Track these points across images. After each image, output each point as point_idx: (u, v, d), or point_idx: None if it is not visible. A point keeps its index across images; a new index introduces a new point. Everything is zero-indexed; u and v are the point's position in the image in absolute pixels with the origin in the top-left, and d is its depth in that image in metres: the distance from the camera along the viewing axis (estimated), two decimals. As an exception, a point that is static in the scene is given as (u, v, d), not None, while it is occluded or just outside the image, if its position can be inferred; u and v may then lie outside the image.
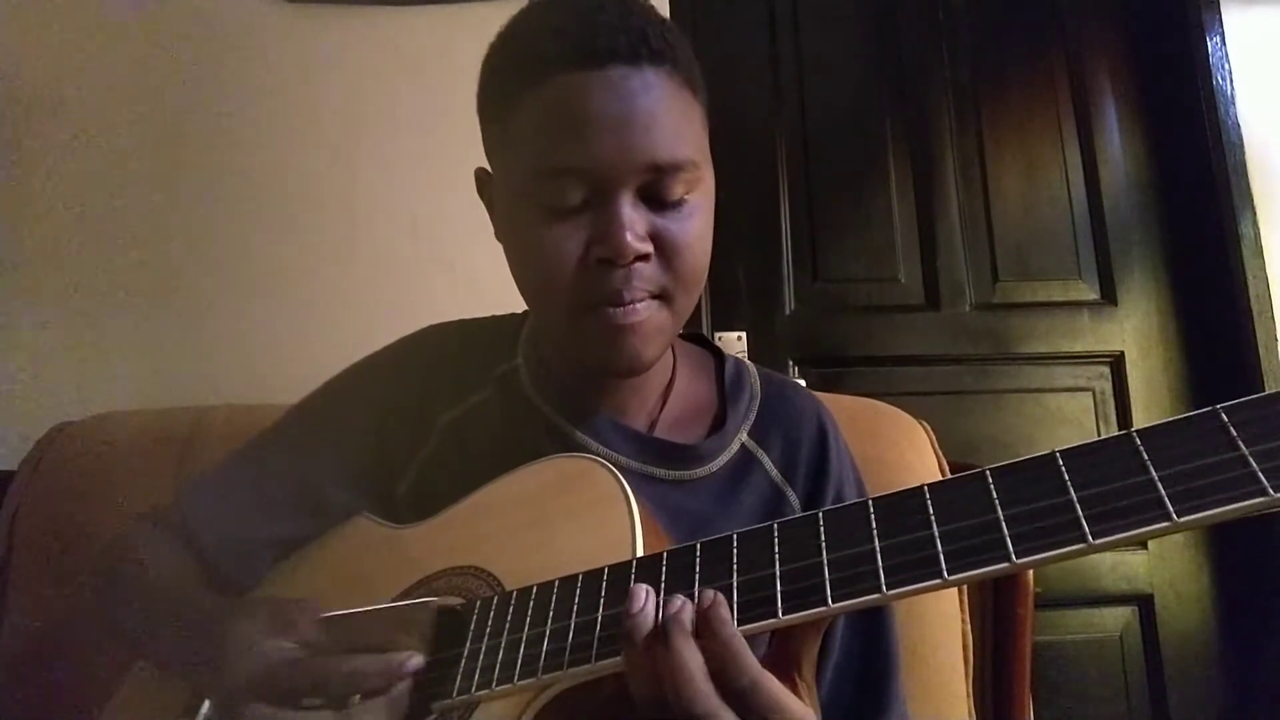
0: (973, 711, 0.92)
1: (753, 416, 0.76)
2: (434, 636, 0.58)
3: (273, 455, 0.77)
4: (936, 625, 0.94)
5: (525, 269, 0.66)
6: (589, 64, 0.60)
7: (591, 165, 0.60)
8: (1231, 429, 0.40)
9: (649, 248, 0.62)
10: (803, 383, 1.07)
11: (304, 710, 0.52)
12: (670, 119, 0.62)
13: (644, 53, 0.61)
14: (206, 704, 0.63)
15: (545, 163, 0.61)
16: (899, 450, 0.99)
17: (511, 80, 0.63)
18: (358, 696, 0.52)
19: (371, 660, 0.53)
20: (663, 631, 0.47)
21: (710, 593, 0.48)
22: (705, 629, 0.46)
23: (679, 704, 0.45)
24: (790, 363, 1.64)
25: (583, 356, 0.67)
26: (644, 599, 0.48)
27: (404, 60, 1.48)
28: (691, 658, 0.46)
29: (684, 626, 0.46)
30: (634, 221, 0.61)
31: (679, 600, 0.48)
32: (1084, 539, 0.40)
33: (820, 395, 0.86)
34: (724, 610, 0.47)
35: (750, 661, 0.46)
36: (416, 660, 0.54)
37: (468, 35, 1.43)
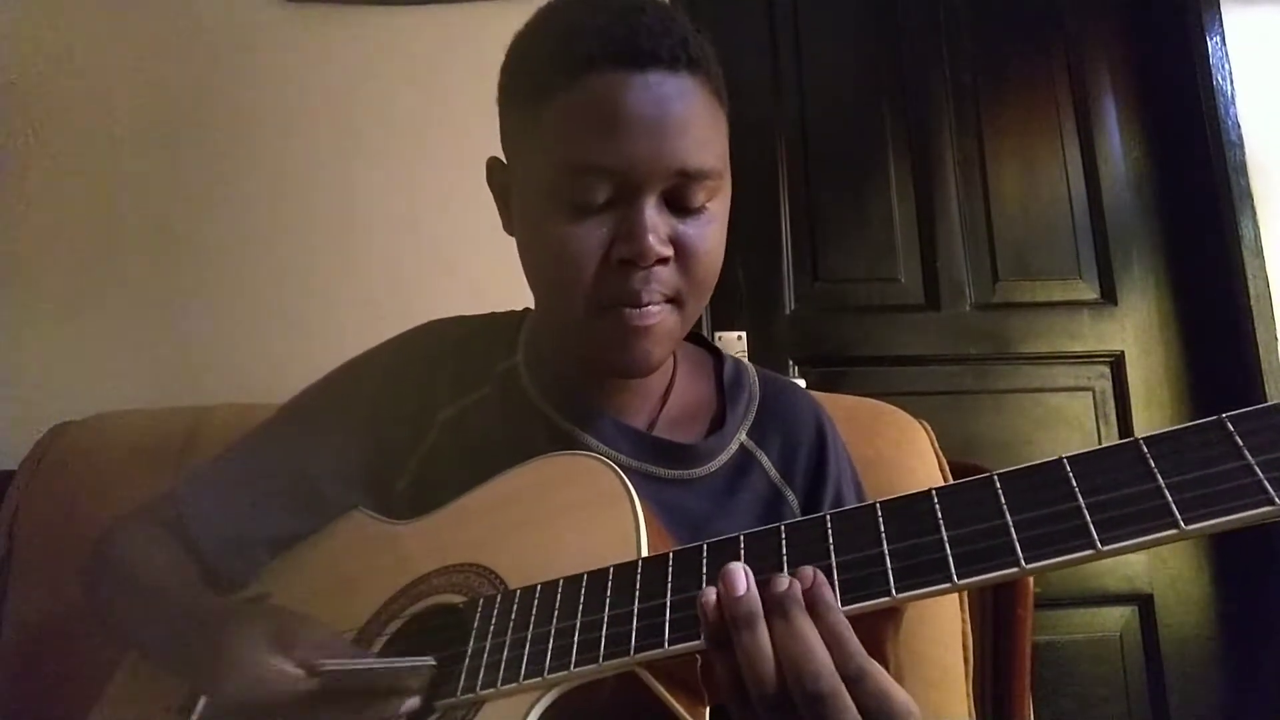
0: (973, 711, 0.92)
1: (752, 417, 0.76)
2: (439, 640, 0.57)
3: (269, 451, 0.77)
4: (936, 625, 0.94)
5: (543, 263, 0.66)
6: (630, 65, 0.60)
7: (623, 165, 0.60)
8: (1238, 438, 0.40)
9: (669, 251, 0.62)
10: (802, 383, 1.06)
11: None
12: (701, 127, 0.62)
13: (683, 59, 0.62)
14: (202, 702, 0.63)
15: (576, 159, 0.61)
16: (899, 450, 0.99)
17: (546, 72, 0.63)
18: None
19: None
20: (780, 608, 0.45)
21: (811, 570, 0.46)
22: (812, 610, 0.45)
23: (800, 684, 0.43)
24: (790, 363, 1.64)
25: (592, 354, 0.67)
26: (747, 581, 0.46)
27: (403, 60, 1.47)
28: (811, 632, 0.44)
29: (800, 601, 0.45)
30: (657, 225, 0.61)
31: (786, 578, 0.46)
32: (1093, 545, 0.41)
33: (820, 395, 0.86)
34: (828, 590, 0.45)
35: (857, 646, 0.44)
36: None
37: (467, 35, 1.44)
